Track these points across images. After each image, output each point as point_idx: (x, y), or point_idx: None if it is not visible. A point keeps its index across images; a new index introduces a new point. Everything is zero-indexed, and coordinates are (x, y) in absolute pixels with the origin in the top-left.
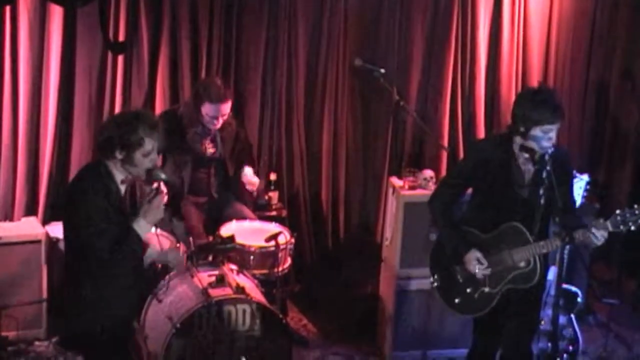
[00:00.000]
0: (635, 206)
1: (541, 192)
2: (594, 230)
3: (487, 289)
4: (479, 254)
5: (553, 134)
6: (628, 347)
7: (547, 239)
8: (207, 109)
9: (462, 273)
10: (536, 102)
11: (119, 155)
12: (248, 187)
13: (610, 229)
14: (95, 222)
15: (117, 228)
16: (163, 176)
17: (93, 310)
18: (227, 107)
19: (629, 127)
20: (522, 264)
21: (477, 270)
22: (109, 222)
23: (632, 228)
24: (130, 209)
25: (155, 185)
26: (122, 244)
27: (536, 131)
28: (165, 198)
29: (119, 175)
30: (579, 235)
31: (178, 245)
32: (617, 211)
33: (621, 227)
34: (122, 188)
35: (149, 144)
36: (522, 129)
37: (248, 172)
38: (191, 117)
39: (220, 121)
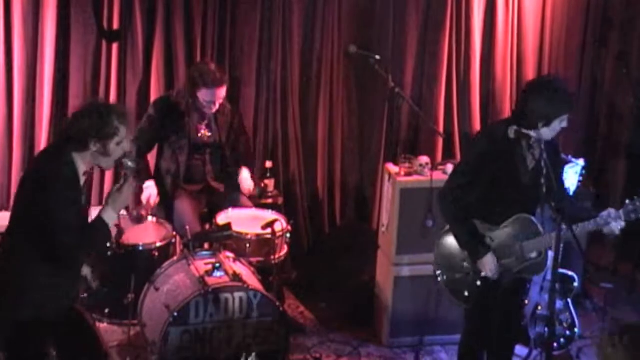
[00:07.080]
0: None
1: (542, 179)
2: (612, 223)
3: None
4: (495, 259)
5: (566, 121)
6: None
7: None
8: (203, 94)
9: (472, 268)
10: (554, 97)
11: (93, 147)
12: (244, 192)
13: (624, 219)
14: (62, 216)
15: (80, 220)
16: (131, 164)
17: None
18: (223, 91)
19: (624, 111)
20: (534, 255)
21: (491, 274)
22: (77, 214)
23: None
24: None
25: (124, 173)
26: (89, 236)
27: (555, 123)
28: (134, 185)
29: (82, 166)
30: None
31: (174, 233)
32: (627, 201)
33: (632, 215)
34: (82, 179)
35: (123, 132)
36: (541, 124)
37: (245, 177)
38: (187, 103)
39: (217, 105)
